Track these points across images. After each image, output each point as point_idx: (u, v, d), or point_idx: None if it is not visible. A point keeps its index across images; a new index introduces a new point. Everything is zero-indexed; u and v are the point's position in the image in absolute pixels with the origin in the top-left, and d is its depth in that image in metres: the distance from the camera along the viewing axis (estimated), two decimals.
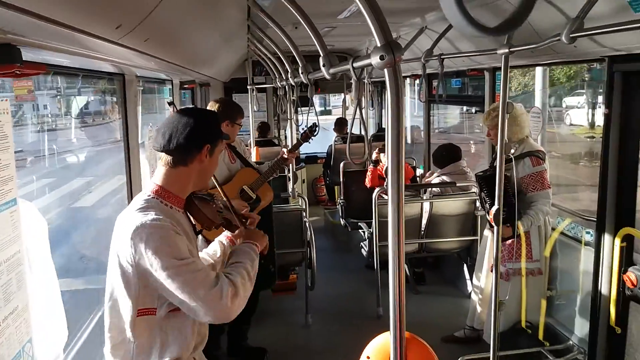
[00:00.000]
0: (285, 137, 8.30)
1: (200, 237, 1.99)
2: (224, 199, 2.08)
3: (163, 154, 1.75)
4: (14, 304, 1.56)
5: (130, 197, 2.69)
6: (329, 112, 22.40)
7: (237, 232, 2.07)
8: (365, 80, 6.12)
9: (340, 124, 7.87)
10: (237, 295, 1.63)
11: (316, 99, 10.38)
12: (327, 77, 1.93)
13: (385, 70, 1.18)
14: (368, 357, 1.32)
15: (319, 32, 2.00)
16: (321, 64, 1.92)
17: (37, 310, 1.74)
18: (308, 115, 3.72)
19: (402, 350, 1.21)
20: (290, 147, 3.83)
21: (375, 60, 1.19)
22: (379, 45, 1.18)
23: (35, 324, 1.69)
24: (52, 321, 1.90)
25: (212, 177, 2.01)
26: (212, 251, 2.10)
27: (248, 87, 6.19)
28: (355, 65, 1.46)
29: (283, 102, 5.32)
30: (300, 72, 2.73)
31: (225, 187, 2.65)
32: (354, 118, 1.84)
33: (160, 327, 1.71)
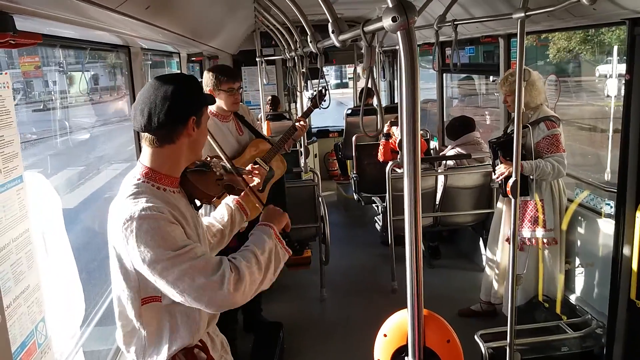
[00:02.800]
0: (296, 110, 8.21)
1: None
2: (221, 163, 1.95)
3: (145, 134, 1.59)
4: (25, 283, 1.55)
5: None
6: (345, 85, 21.78)
7: (242, 193, 1.97)
8: (377, 48, 5.98)
9: (367, 95, 7.57)
10: (241, 280, 1.51)
11: (330, 70, 10.20)
12: (337, 44, 1.85)
13: (399, 33, 1.10)
14: (385, 335, 1.28)
15: None
16: (330, 30, 1.83)
17: (52, 287, 1.73)
18: (319, 87, 3.62)
19: (420, 329, 1.17)
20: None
21: (387, 22, 1.11)
22: (390, 6, 1.10)
23: (51, 300, 1.68)
24: (68, 297, 1.89)
25: (209, 138, 1.87)
26: (219, 216, 2.00)
27: (257, 59, 6.08)
28: (365, 29, 1.38)
29: (293, 75, 5.21)
30: (309, 41, 2.64)
31: (236, 161, 2.58)
32: (366, 88, 1.75)
33: (168, 312, 1.63)
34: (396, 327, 1.27)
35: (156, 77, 1.67)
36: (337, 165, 8.12)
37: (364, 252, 5.37)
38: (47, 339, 1.30)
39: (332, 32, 1.81)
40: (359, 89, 7.96)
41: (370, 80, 1.54)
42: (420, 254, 1.19)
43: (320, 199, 4.27)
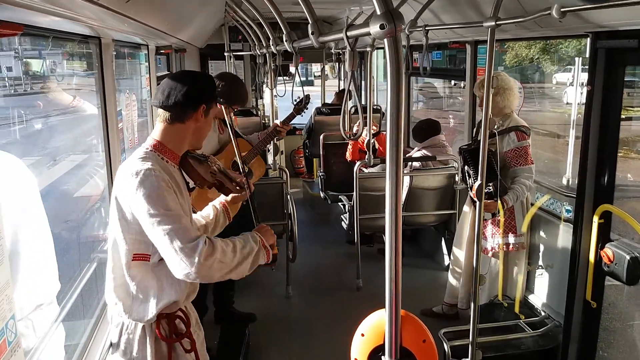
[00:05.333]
0: (264, 106, 8.16)
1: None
2: (218, 163, 2.15)
3: (161, 110, 1.86)
4: None
5: (109, 164, 2.60)
6: (310, 83, 21.83)
7: (230, 196, 2.17)
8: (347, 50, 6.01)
9: (343, 94, 7.55)
10: (212, 255, 1.67)
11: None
12: (316, 45, 1.87)
13: (385, 40, 1.13)
14: (362, 335, 1.30)
15: None
16: (309, 31, 1.85)
17: (29, 263, 1.76)
18: (293, 86, 3.62)
19: (397, 329, 1.20)
20: (276, 119, 3.76)
21: (374, 29, 1.13)
22: (379, 13, 1.12)
23: (26, 275, 1.74)
24: (43, 275, 1.87)
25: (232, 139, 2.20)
26: (205, 213, 2.21)
27: (225, 54, 6.00)
28: (349, 34, 1.40)
29: (262, 71, 5.18)
30: (284, 40, 2.64)
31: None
32: (347, 90, 1.78)
33: (154, 273, 1.84)
34: (373, 327, 1.30)
35: (181, 71, 2.13)
36: (303, 163, 8.13)
37: (330, 250, 5.41)
38: (17, 336, 1.27)
39: (312, 34, 1.82)
40: (327, 89, 7.98)
41: (351, 82, 1.56)
42: (399, 255, 1.22)
43: (288, 196, 4.28)
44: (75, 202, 3.70)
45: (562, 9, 2.05)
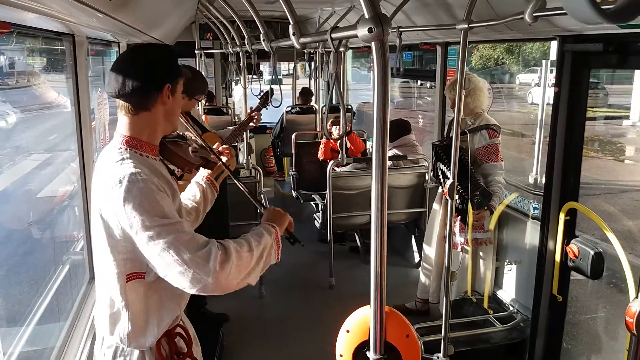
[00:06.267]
0: (234, 104, 8.11)
1: None
2: (194, 137, 2.01)
3: (120, 100, 1.58)
4: None
5: (83, 163, 2.55)
6: (279, 82, 21.90)
7: (215, 168, 2.01)
8: (319, 50, 6.05)
9: (306, 95, 7.49)
10: (227, 260, 1.45)
11: (265, 66, 10.12)
12: (298, 47, 1.88)
13: (373, 43, 1.16)
14: (347, 331, 1.33)
15: None
16: (291, 32, 1.86)
17: None
18: (271, 84, 3.64)
19: (382, 324, 1.23)
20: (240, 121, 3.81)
21: (362, 32, 1.16)
22: (367, 17, 1.15)
23: None
24: None
25: (181, 117, 1.86)
26: (191, 195, 2.01)
27: (196, 51, 5.94)
28: (334, 36, 1.42)
29: (237, 69, 5.16)
30: (262, 39, 2.64)
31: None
32: (331, 90, 1.80)
33: (153, 289, 1.60)
34: (358, 323, 1.33)
35: (133, 46, 1.66)
36: (273, 162, 8.12)
37: (302, 249, 5.37)
38: None
39: (293, 34, 1.83)
40: (298, 88, 7.98)
41: (335, 84, 1.58)
42: (384, 252, 1.25)
43: (262, 196, 4.28)
44: (39, 202, 3.61)
45: (534, 14, 2.12)
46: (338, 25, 4.61)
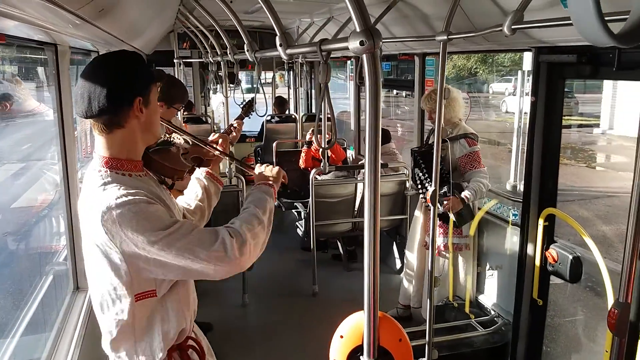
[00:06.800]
0: (212, 112, 8.10)
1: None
2: (182, 137, 1.92)
3: (90, 120, 1.48)
4: None
5: (66, 174, 2.53)
6: (257, 90, 21.91)
7: (213, 162, 1.96)
8: (299, 60, 6.10)
9: (282, 104, 7.54)
10: (244, 244, 1.45)
11: (242, 75, 10.13)
12: (284, 57, 1.91)
13: (364, 56, 1.19)
14: (341, 337, 1.35)
15: (274, 9, 1.95)
16: (277, 43, 1.89)
17: None
18: (255, 93, 3.67)
19: (375, 329, 1.26)
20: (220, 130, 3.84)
21: (354, 45, 1.19)
22: (358, 30, 1.18)
23: None
24: None
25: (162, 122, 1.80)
26: (192, 194, 1.95)
27: (175, 60, 5.93)
28: (323, 47, 1.45)
29: (215, 78, 5.17)
30: (245, 49, 2.66)
31: None
32: (322, 100, 1.83)
33: (160, 304, 1.55)
34: (352, 329, 1.35)
35: (97, 57, 1.56)
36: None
37: (285, 257, 5.43)
38: None
39: (280, 45, 1.86)
40: (269, 97, 8.02)
41: (326, 95, 1.61)
42: (377, 259, 1.28)
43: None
44: (17, 212, 3.54)
45: (512, 26, 2.19)
46: (317, 35, 4.67)
